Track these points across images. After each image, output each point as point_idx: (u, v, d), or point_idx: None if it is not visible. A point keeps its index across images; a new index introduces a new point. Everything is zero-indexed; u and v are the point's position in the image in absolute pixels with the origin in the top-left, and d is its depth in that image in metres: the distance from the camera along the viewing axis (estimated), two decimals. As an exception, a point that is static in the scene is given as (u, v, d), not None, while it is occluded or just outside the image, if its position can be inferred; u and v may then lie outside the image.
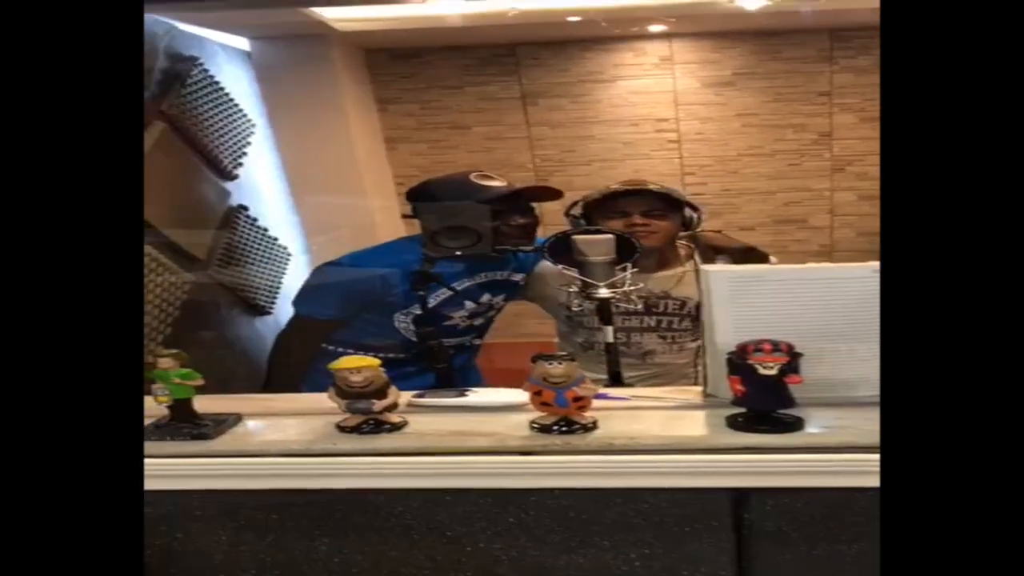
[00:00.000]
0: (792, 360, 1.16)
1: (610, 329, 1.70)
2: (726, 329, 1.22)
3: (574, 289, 1.71)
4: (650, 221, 1.98)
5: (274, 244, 3.67)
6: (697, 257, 2.07)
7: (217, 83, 3.31)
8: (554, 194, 2.06)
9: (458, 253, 1.96)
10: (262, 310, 3.50)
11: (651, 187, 2.03)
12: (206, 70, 3.23)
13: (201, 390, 1.33)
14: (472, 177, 1.99)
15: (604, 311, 1.69)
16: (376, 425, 1.28)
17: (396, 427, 1.29)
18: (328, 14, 3.26)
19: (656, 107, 4.12)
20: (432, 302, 1.99)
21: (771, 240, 4.38)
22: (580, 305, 1.93)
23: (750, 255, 2.05)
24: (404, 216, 2.07)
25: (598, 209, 2.02)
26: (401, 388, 1.43)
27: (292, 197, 3.91)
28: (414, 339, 2.04)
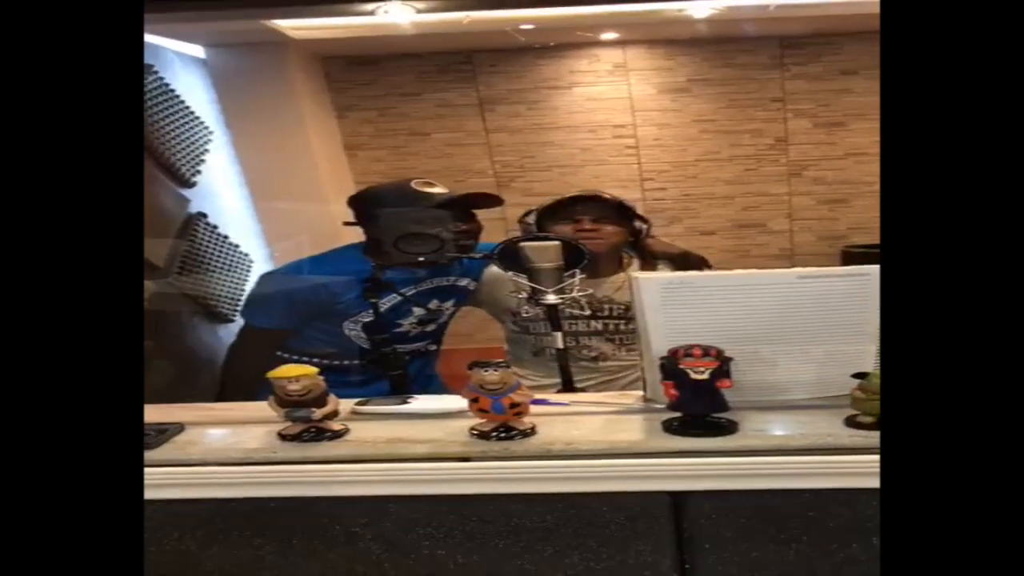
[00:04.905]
0: (722, 364, 1.18)
1: (559, 335, 1.72)
2: (659, 335, 1.24)
3: (524, 295, 1.73)
4: (599, 227, 2.01)
5: (235, 251, 3.65)
6: (635, 263, 2.11)
7: (172, 91, 3.30)
8: (495, 201, 2.08)
9: (421, 259, 1.97)
10: (224, 318, 3.49)
11: (602, 195, 2.07)
12: (161, 78, 3.22)
13: (151, 399, 1.32)
14: (413, 184, 2.01)
15: (553, 317, 1.71)
16: (317, 433, 1.28)
17: (337, 435, 1.29)
18: (283, 23, 3.26)
19: (613, 113, 4.16)
20: (381, 309, 2.00)
21: (732, 244, 4.43)
22: (529, 311, 1.95)
23: (687, 259, 2.09)
24: (346, 223, 2.07)
25: (551, 216, 2.05)
26: (357, 395, 1.44)
27: (252, 204, 3.89)
28: (367, 346, 2.04)
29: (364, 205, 2.05)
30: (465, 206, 2.02)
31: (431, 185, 2.02)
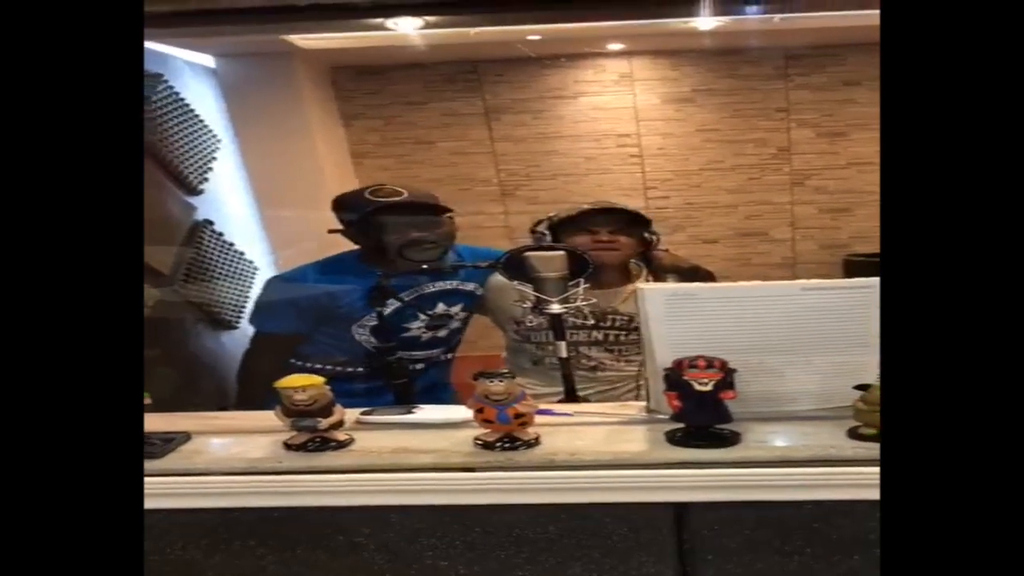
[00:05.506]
0: (726, 376, 1.18)
1: (563, 344, 1.72)
2: (663, 346, 1.24)
3: (528, 304, 1.73)
4: (616, 238, 2.03)
5: (240, 258, 3.66)
6: (647, 276, 2.11)
7: (182, 100, 3.31)
8: (441, 210, 2.07)
9: (424, 267, 1.98)
10: (228, 325, 3.49)
11: (622, 207, 2.09)
12: (171, 87, 3.23)
13: (156, 408, 1.33)
14: (366, 194, 2.03)
15: (557, 326, 1.72)
16: (322, 443, 1.29)
17: (342, 444, 1.30)
18: (292, 35, 3.28)
19: (617, 123, 4.17)
20: (385, 312, 2.00)
21: (734, 253, 4.43)
22: (532, 320, 1.96)
23: (696, 274, 2.10)
24: (331, 231, 2.08)
25: (567, 226, 2.06)
26: (365, 405, 1.44)
27: (259, 211, 3.90)
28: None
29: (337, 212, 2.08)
30: (413, 211, 2.02)
31: (393, 194, 2.03)
